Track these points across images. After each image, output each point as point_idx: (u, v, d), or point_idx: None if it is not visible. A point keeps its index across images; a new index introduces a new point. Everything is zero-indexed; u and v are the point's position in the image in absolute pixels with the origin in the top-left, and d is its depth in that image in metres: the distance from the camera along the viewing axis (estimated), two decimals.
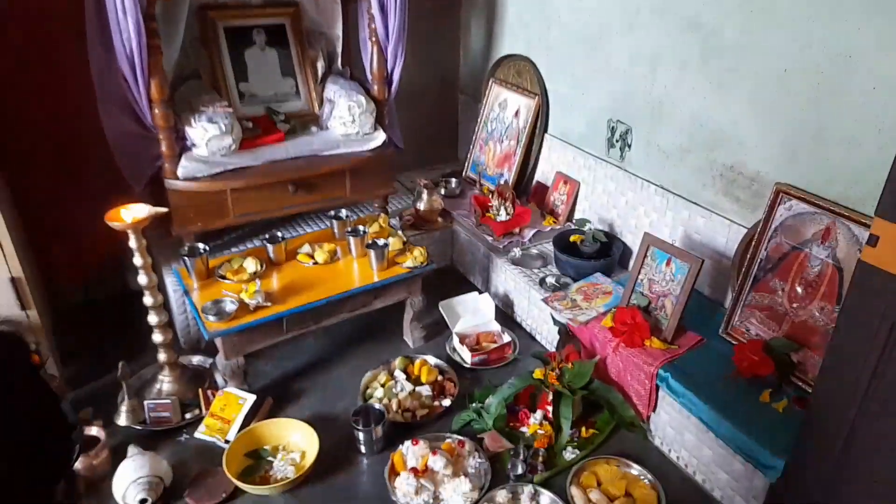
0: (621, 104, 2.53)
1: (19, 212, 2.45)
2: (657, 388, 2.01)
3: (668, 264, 2.14)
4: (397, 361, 2.37)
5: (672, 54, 2.25)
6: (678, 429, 1.98)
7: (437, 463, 1.92)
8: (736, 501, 1.82)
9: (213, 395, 2.15)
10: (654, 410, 2.05)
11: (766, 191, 2.03)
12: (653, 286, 2.18)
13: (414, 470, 1.91)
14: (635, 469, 1.94)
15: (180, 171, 2.31)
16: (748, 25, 1.98)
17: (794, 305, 1.94)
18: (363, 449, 2.04)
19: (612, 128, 2.60)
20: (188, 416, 2.14)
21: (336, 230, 2.51)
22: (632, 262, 2.49)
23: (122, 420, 2.10)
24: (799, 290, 1.93)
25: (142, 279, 2.02)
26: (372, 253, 2.32)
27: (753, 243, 2.03)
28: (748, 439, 1.72)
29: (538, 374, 2.11)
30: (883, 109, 1.68)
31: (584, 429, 2.10)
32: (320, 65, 2.76)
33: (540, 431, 2.07)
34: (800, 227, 1.92)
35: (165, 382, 2.19)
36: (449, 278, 2.96)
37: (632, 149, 2.54)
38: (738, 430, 1.75)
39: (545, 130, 2.98)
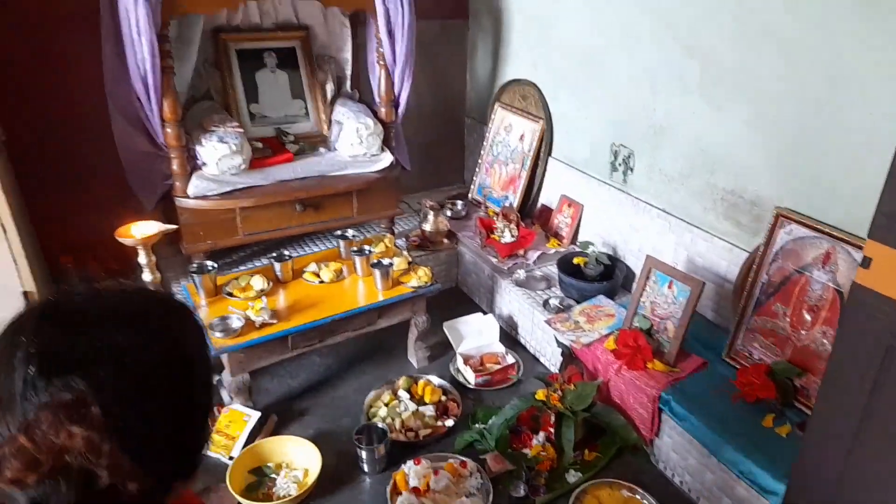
0: (623, 128, 2.57)
1: (33, 225, 2.50)
2: (660, 411, 2.01)
3: (669, 287, 2.15)
4: (401, 381, 2.38)
5: (672, 78, 2.29)
6: (681, 452, 1.98)
7: (439, 483, 1.92)
8: None
9: (219, 412, 2.16)
10: (656, 434, 2.05)
11: (766, 215, 2.05)
12: (655, 309, 2.19)
13: (416, 490, 1.92)
14: (638, 493, 1.93)
15: (191, 190, 2.35)
16: (745, 50, 2.02)
17: (797, 330, 1.95)
18: (366, 467, 2.04)
19: (615, 151, 2.63)
20: None
21: (342, 250, 2.54)
22: (634, 285, 2.51)
23: None
24: (801, 314, 1.94)
25: None
26: (377, 272, 2.35)
27: (755, 267, 2.05)
28: (751, 463, 1.72)
29: (540, 395, 2.12)
30: (879, 134, 1.71)
31: (586, 451, 2.09)
32: (329, 87, 2.81)
33: (542, 453, 2.06)
34: (800, 252, 1.94)
35: None
36: (453, 299, 2.98)
37: (634, 172, 2.57)
38: (741, 454, 1.75)
39: (549, 154, 3.02)
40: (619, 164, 2.63)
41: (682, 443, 1.96)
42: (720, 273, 2.25)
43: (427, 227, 2.94)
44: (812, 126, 1.88)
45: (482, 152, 3.33)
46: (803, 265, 1.93)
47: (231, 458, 2.02)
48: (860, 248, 1.77)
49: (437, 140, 3.57)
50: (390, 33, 2.55)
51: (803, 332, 1.94)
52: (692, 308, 2.05)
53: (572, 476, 2.02)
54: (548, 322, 2.39)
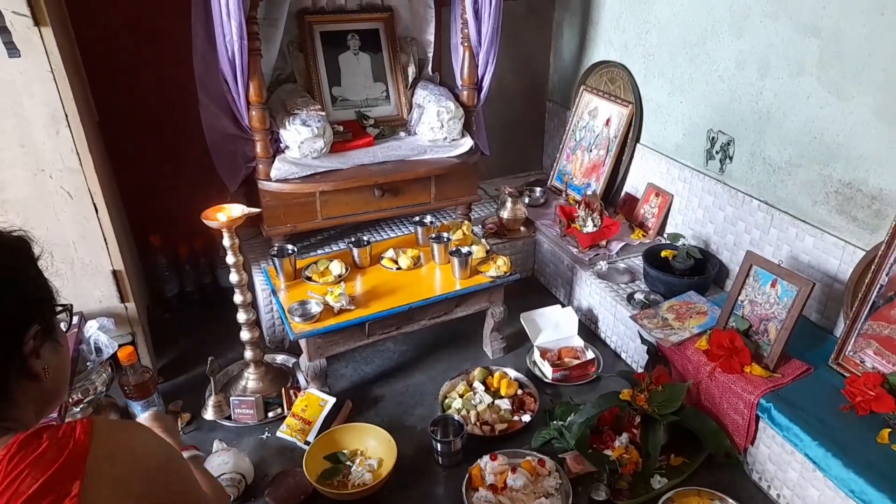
0: (724, 113, 2.39)
1: (123, 204, 2.57)
2: (757, 418, 1.87)
3: (772, 286, 1.99)
4: (476, 372, 2.32)
5: (785, 60, 2.10)
6: (780, 464, 1.83)
7: (517, 481, 1.86)
8: None
9: (296, 395, 2.17)
10: (752, 443, 1.91)
11: (889, 210, 1.86)
12: (754, 308, 2.03)
13: (492, 487, 1.86)
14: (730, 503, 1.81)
15: (273, 173, 2.35)
16: (876, 29, 1.82)
17: None
18: (441, 460, 2.00)
19: (713, 138, 2.46)
20: (271, 414, 2.16)
21: (420, 236, 2.50)
22: (730, 282, 2.36)
23: (209, 414, 2.16)
24: None
25: (233, 277, 2.06)
26: (455, 260, 2.29)
27: (874, 267, 1.86)
28: (863, 482, 1.56)
29: (625, 395, 2.01)
30: None
31: (672, 456, 1.98)
32: (411, 70, 2.76)
33: (625, 456, 1.96)
34: None
35: (251, 380, 2.23)
36: (530, 289, 2.90)
37: (733, 161, 2.39)
38: (852, 470, 1.59)
39: (637, 140, 2.87)
40: (717, 152, 2.45)
41: (781, 454, 1.82)
42: (829, 272, 2.07)
43: (504, 214, 2.85)
44: None
45: (564, 137, 3.20)
46: None
47: (307, 444, 2.02)
48: None
49: (517, 124, 3.47)
50: (476, 13, 2.46)
51: None
52: (799, 310, 1.89)
53: (657, 482, 1.91)
54: (633, 318, 2.27)
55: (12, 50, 1.82)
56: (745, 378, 1.92)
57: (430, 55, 2.83)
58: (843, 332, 1.94)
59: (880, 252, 1.84)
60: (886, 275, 1.84)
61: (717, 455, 1.96)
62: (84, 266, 2.12)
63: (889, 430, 1.70)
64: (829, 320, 2.11)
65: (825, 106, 2.00)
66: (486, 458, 1.95)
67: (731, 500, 1.82)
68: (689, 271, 2.43)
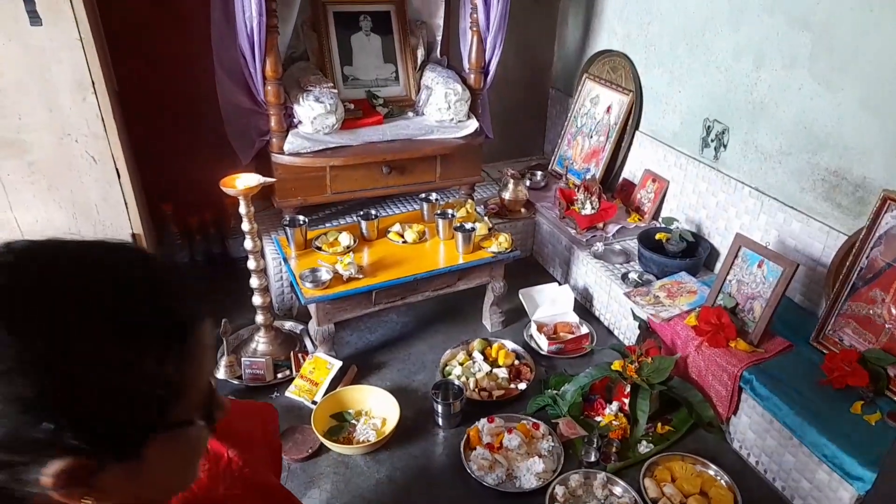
0: (720, 103, 2.49)
1: (139, 171, 2.65)
2: (740, 390, 1.99)
3: (759, 266, 2.10)
4: (476, 343, 2.43)
5: (779, 53, 2.21)
6: (759, 433, 1.95)
7: (512, 442, 1.98)
8: None
9: (304, 359, 2.28)
10: (734, 413, 2.03)
11: (871, 198, 1.97)
12: (741, 288, 2.15)
13: (489, 445, 1.97)
14: (711, 469, 1.93)
15: (286, 146, 2.44)
16: (864, 24, 1.92)
17: None
18: (440, 421, 2.11)
19: (708, 127, 2.56)
20: (280, 375, 2.27)
21: (426, 212, 2.60)
22: (719, 264, 2.47)
23: (221, 374, 2.26)
24: None
25: (248, 244, 2.16)
26: (459, 236, 2.39)
27: (854, 251, 1.97)
28: (836, 448, 1.68)
29: (617, 365, 2.12)
30: None
31: (659, 425, 2.09)
32: (420, 52, 2.84)
33: (615, 423, 2.08)
34: None
35: (261, 343, 2.33)
36: (529, 269, 3.00)
37: (727, 149, 2.50)
38: (826, 437, 1.71)
39: (636, 127, 2.97)
40: (712, 141, 2.56)
41: (761, 423, 1.94)
42: (813, 255, 2.18)
43: (506, 195, 2.95)
44: None
45: (566, 124, 3.30)
46: None
47: (314, 403, 2.13)
48: None
49: (520, 110, 3.56)
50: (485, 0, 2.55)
51: None
52: (783, 289, 2.00)
53: (644, 447, 2.03)
54: (627, 295, 2.38)
55: (34, 19, 1.89)
56: (730, 352, 2.03)
57: (439, 39, 2.91)
58: (823, 312, 2.05)
59: (861, 237, 1.95)
60: (866, 258, 1.95)
61: (700, 424, 2.08)
62: (105, 228, 2.21)
63: (862, 402, 1.82)
64: (812, 302, 2.23)
65: (815, 97, 2.11)
66: (484, 420, 2.06)
67: (712, 465, 1.93)
68: (681, 253, 2.54)
